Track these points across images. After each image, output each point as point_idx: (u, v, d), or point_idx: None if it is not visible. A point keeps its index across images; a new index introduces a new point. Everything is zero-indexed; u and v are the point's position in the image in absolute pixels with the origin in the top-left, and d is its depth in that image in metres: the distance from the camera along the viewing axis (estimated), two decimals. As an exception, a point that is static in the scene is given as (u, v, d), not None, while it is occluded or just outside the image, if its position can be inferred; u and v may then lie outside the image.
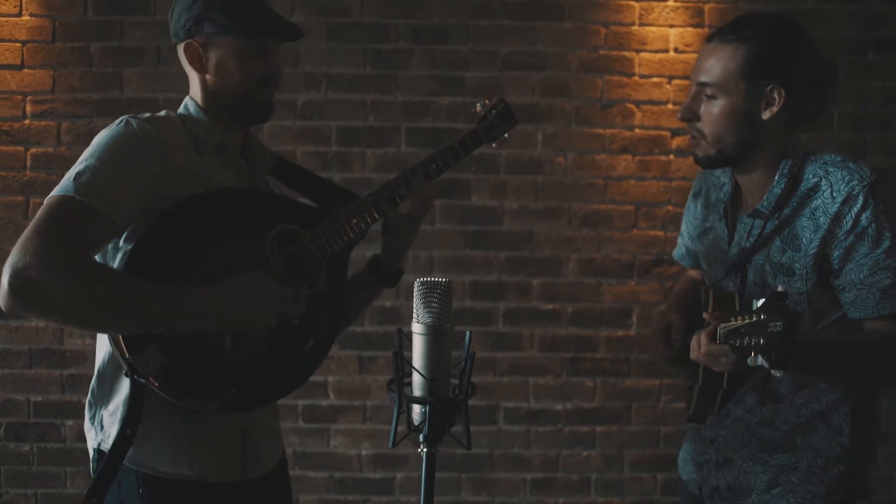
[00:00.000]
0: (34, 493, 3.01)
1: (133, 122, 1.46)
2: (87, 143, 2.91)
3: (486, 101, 1.87)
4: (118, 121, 1.48)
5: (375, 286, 1.81)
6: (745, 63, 1.54)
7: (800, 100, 1.58)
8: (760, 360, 1.25)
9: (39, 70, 2.91)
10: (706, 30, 2.94)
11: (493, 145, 1.86)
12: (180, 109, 1.63)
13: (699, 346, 1.41)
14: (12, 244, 2.91)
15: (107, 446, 1.46)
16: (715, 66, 1.57)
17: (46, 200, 1.35)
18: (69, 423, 2.98)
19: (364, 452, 3.03)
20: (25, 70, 2.91)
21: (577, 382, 3.05)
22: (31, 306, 1.28)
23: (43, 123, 2.93)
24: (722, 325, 1.36)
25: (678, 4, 2.97)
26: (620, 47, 2.98)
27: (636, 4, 2.97)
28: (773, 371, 1.26)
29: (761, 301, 1.28)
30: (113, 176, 1.38)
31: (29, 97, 2.91)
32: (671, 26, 2.98)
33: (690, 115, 1.62)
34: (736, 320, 1.32)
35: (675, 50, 2.98)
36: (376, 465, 3.04)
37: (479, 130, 1.80)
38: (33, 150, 2.93)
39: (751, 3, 2.94)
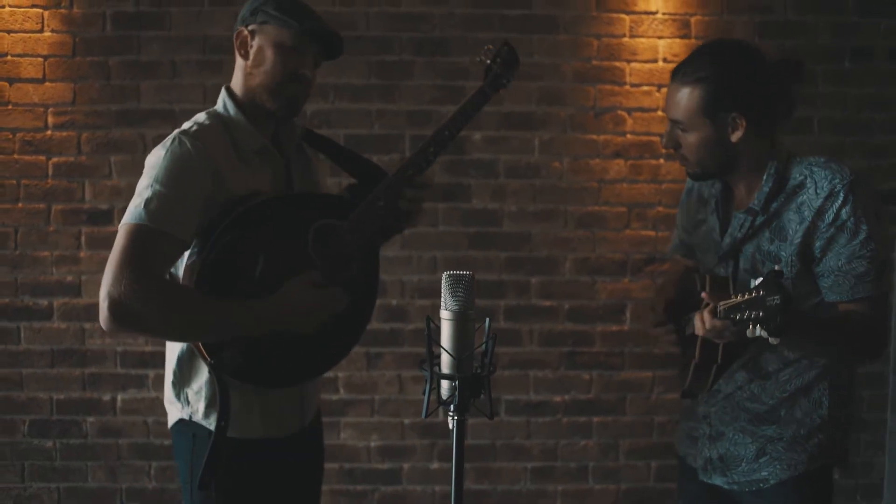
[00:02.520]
0: (57, 487, 3.12)
1: (187, 141, 1.61)
2: (106, 153, 3.08)
3: (490, 48, 1.95)
4: (173, 139, 1.62)
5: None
6: (702, 102, 1.69)
7: (763, 115, 1.72)
8: (760, 331, 1.40)
9: (61, 83, 3.03)
10: (693, 41, 3.08)
11: (500, 91, 1.95)
12: (219, 107, 1.76)
13: (703, 322, 1.56)
14: (35, 249, 3.07)
15: (197, 418, 1.70)
16: (679, 106, 1.72)
17: (125, 227, 1.54)
18: (90, 419, 3.10)
19: (372, 444, 3.16)
20: (47, 83, 3.03)
21: (575, 375, 3.17)
22: (129, 329, 1.52)
23: (64, 134, 3.04)
24: (722, 302, 1.51)
25: (666, 17, 3.10)
26: (612, 58, 3.11)
27: (626, 17, 3.10)
28: (770, 339, 1.40)
29: (759, 280, 1.43)
30: (177, 200, 1.56)
31: (51, 109, 3.03)
32: (660, 38, 3.11)
33: (673, 145, 1.78)
34: (736, 297, 1.48)
35: (664, 60, 3.10)
36: (384, 457, 3.17)
37: (486, 86, 1.90)
38: (55, 159, 3.05)
39: (732, 16, 3.09)
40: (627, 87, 3.13)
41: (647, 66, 3.12)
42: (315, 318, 1.66)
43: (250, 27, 1.72)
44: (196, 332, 1.59)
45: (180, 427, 1.76)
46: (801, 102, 3.05)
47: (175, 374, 1.74)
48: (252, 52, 1.72)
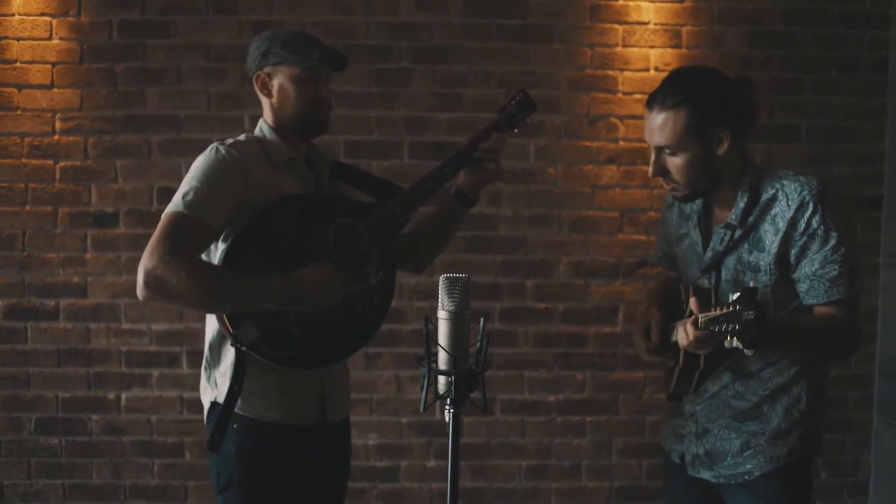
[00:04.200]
0: (62, 484, 3.19)
1: (222, 149, 1.83)
2: (112, 157, 3.17)
3: (509, 92, 2.11)
4: (211, 148, 1.84)
5: (461, 212, 2.11)
6: (688, 124, 1.76)
7: (741, 126, 1.81)
8: (736, 343, 1.49)
9: (68, 89, 3.10)
10: (684, 50, 3.17)
11: (515, 131, 2.08)
12: (257, 132, 1.98)
13: (686, 333, 1.64)
14: (43, 251, 3.15)
15: (222, 399, 1.81)
16: (664, 131, 1.78)
17: (165, 216, 1.75)
18: (95, 417, 3.17)
19: (371, 442, 3.23)
20: (55, 89, 3.09)
21: (568, 376, 3.24)
22: (159, 295, 1.68)
23: (71, 139, 3.11)
24: (702, 315, 1.60)
25: (658, 27, 3.17)
26: (605, 67, 3.18)
27: (619, 28, 3.17)
28: (745, 351, 1.49)
29: (736, 295, 1.52)
30: (210, 194, 1.77)
31: (58, 114, 3.10)
32: (651, 47, 3.18)
33: (661, 172, 1.85)
34: (715, 310, 1.56)
35: (656, 69, 3.17)
36: (382, 455, 3.23)
37: (500, 121, 2.06)
38: (62, 163, 3.12)
39: (722, 26, 3.17)
40: (620, 95, 3.20)
41: (640, 74, 3.19)
42: (326, 297, 1.78)
43: (266, 70, 1.91)
44: (217, 301, 1.74)
45: (213, 409, 1.89)
46: (788, 111, 3.15)
47: (207, 359, 1.91)
48: (275, 90, 1.92)
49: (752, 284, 1.53)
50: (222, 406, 1.77)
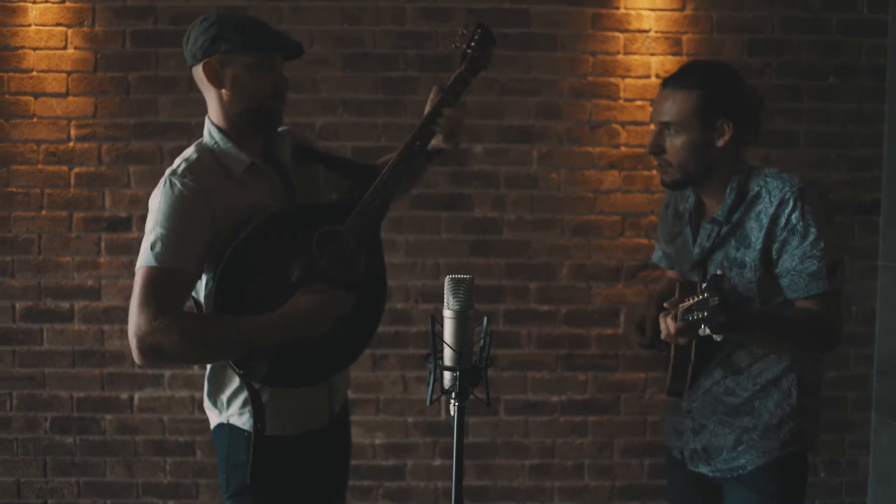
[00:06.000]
0: (76, 482, 3.26)
1: (177, 182, 1.69)
2: (126, 164, 3.22)
3: (464, 32, 1.96)
4: (165, 183, 1.70)
5: (425, 165, 2.10)
6: (697, 106, 1.85)
7: (743, 126, 1.89)
8: (707, 330, 1.55)
9: (83, 97, 3.17)
10: (684, 58, 3.21)
11: (481, 74, 2.00)
12: (206, 139, 1.83)
13: (667, 326, 1.70)
14: (58, 255, 3.21)
15: (234, 420, 1.82)
16: (673, 109, 1.87)
17: (138, 272, 1.66)
18: (108, 416, 3.24)
19: (377, 442, 3.29)
20: (70, 97, 3.17)
21: (571, 376, 3.30)
22: (157, 362, 1.66)
23: (85, 145, 3.18)
24: (680, 306, 1.67)
25: (658, 35, 3.23)
26: (607, 74, 3.24)
27: (621, 35, 3.23)
28: (714, 336, 1.55)
29: (705, 283, 1.59)
30: (178, 239, 1.66)
31: (73, 122, 3.17)
32: (652, 55, 3.24)
33: (658, 150, 1.92)
34: (689, 300, 1.63)
35: (657, 76, 3.22)
36: (389, 454, 3.29)
37: (464, 71, 1.93)
38: (76, 169, 3.19)
39: (722, 34, 3.23)
40: (622, 101, 3.25)
41: (641, 81, 3.25)
42: (324, 322, 1.73)
43: (216, 57, 1.73)
44: (216, 353, 1.73)
45: (219, 428, 1.88)
46: (787, 118, 3.21)
47: (210, 382, 1.87)
48: (227, 80, 1.75)
49: (718, 272, 1.59)
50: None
